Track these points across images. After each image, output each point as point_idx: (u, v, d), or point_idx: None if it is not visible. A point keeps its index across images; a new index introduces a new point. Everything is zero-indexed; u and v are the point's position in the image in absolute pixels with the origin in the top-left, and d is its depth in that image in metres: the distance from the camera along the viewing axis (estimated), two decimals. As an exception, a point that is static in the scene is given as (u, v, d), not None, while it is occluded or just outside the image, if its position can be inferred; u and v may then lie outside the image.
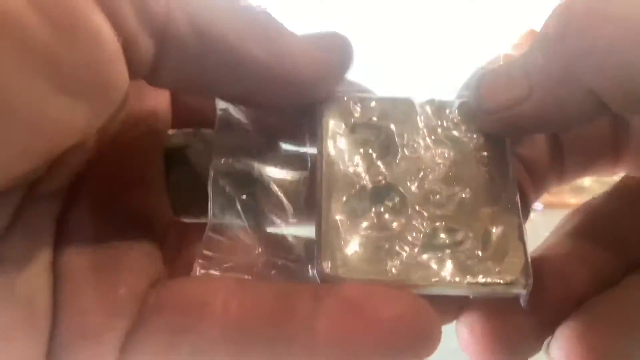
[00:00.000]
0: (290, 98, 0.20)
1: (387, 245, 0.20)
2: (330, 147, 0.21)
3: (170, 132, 0.22)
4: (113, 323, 0.18)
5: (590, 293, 0.20)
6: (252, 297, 0.18)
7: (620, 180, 0.24)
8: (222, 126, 0.22)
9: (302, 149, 0.22)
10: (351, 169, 0.21)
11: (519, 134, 0.22)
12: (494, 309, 0.20)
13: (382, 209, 0.20)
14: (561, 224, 0.23)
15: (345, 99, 0.22)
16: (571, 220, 0.23)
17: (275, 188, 0.21)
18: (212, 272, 0.20)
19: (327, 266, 0.19)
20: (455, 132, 0.21)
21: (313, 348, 0.18)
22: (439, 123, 0.22)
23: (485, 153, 0.21)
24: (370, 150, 0.21)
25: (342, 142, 0.21)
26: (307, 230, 0.21)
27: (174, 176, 0.22)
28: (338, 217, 0.20)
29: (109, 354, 0.18)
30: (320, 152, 0.21)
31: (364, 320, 0.18)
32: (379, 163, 0.21)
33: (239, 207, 0.21)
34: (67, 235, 0.18)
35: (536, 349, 0.20)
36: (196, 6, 0.17)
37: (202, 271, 0.20)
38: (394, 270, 0.19)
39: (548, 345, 0.20)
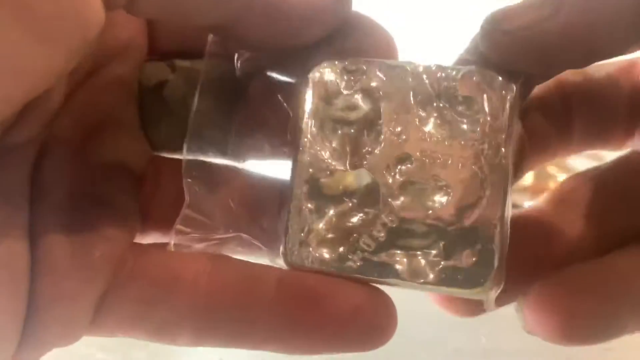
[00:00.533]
0: (277, 32, 0.19)
1: (351, 238, 0.19)
2: (310, 124, 0.20)
3: (146, 64, 0.21)
4: (87, 286, 0.18)
5: (570, 260, 0.20)
6: (221, 276, 0.19)
7: (625, 154, 0.22)
8: (211, 58, 0.20)
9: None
10: (327, 151, 0.19)
11: (539, 63, 0.20)
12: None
13: (353, 198, 0.19)
14: (560, 187, 0.22)
15: (336, 63, 0.20)
16: (568, 185, 0.22)
17: (254, 126, 0.21)
18: (185, 247, 0.20)
19: (290, 254, 0.19)
20: (450, 113, 0.19)
21: (272, 332, 0.18)
22: (434, 100, 0.20)
23: (480, 138, 0.19)
24: (352, 130, 0.20)
25: (324, 118, 0.20)
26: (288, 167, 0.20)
27: (150, 111, 0.21)
28: (307, 204, 0.19)
29: (83, 316, 0.18)
30: (300, 126, 0.20)
31: (322, 310, 0.18)
32: (359, 146, 0.19)
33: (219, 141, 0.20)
34: (41, 191, 0.18)
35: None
36: None
37: (176, 244, 0.20)
38: (355, 264, 0.19)
39: (518, 302, 0.20)
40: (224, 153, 0.20)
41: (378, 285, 0.19)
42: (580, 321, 0.19)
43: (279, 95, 0.20)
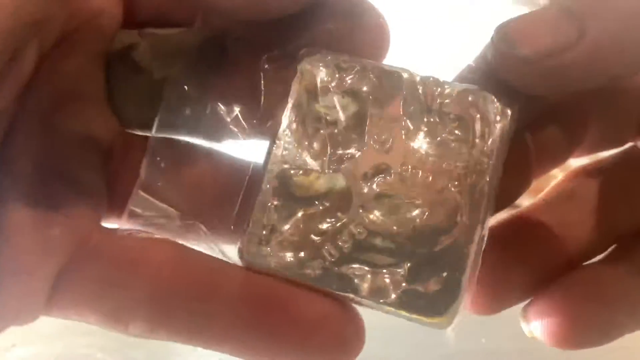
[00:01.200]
0: (250, 1, 0.18)
1: (315, 244, 0.18)
2: (292, 118, 0.19)
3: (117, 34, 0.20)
4: (45, 261, 0.18)
5: (577, 260, 0.20)
6: (186, 265, 0.18)
7: (625, 150, 0.22)
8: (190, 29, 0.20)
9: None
10: (306, 149, 0.19)
11: (559, 89, 0.19)
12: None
13: (324, 202, 0.18)
14: (562, 185, 0.22)
15: (329, 58, 0.19)
16: (570, 183, 0.22)
17: (231, 105, 0.20)
18: (137, 229, 0.19)
19: (247, 250, 0.18)
20: (440, 129, 0.18)
21: (230, 331, 0.18)
22: (425, 114, 0.19)
23: (466, 162, 0.18)
24: (336, 130, 0.19)
25: (307, 114, 0.19)
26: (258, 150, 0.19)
27: (117, 83, 0.20)
28: (274, 201, 0.18)
29: (39, 290, 0.18)
30: (280, 117, 0.19)
31: (288, 315, 0.18)
32: (339, 148, 0.19)
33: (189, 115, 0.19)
34: (8, 162, 0.18)
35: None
36: None
37: (127, 227, 0.19)
38: (314, 272, 0.18)
39: (523, 308, 0.20)
40: (196, 130, 0.20)
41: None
42: (582, 327, 0.19)
43: (261, 74, 0.19)
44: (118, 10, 0.20)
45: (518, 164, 0.20)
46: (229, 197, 0.19)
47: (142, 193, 0.19)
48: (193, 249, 0.19)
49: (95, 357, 0.37)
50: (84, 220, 0.18)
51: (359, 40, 0.19)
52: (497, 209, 0.20)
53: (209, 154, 0.20)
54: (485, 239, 0.18)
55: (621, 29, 0.16)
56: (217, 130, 0.20)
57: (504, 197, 0.20)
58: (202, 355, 0.35)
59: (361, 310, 0.19)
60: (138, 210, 0.19)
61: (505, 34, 0.17)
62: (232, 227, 0.19)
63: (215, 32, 0.20)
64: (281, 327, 0.18)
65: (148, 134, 0.20)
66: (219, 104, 0.20)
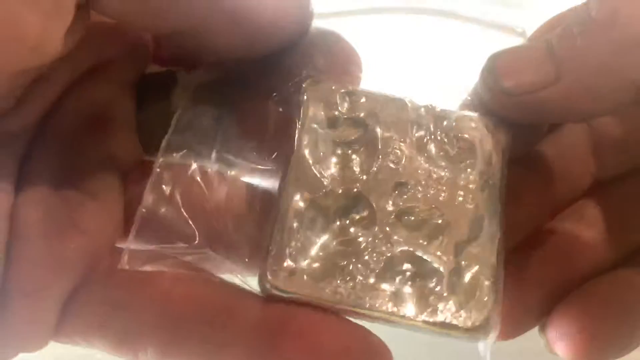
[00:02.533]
0: (243, 38, 0.18)
1: (343, 264, 0.18)
2: (305, 141, 0.19)
3: (148, 70, 0.21)
4: (57, 281, 0.17)
5: (590, 275, 0.20)
6: (200, 289, 0.18)
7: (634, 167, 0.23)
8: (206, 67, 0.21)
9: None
10: (322, 170, 0.19)
11: (539, 121, 0.21)
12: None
13: (346, 222, 0.18)
14: (573, 208, 0.22)
15: (333, 88, 0.19)
16: (582, 201, 0.22)
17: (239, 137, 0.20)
18: (139, 260, 0.18)
19: (273, 276, 0.18)
20: (448, 148, 0.19)
21: None
22: (432, 134, 0.19)
23: (477, 178, 0.19)
24: (350, 151, 0.19)
25: (319, 137, 0.19)
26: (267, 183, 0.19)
27: (146, 113, 0.21)
28: (295, 223, 0.18)
29: (49, 311, 0.17)
30: (294, 143, 0.19)
31: (308, 346, 0.17)
32: (355, 168, 0.19)
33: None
34: (29, 178, 0.18)
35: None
36: None
37: (130, 258, 0.18)
38: (344, 293, 0.18)
39: (543, 324, 0.20)
40: (207, 157, 0.20)
41: (368, 321, 0.18)
42: (601, 342, 0.19)
43: (269, 104, 0.20)
44: (149, 47, 0.21)
45: (529, 195, 0.21)
46: (241, 224, 0.19)
47: (144, 212, 0.19)
48: (207, 272, 0.19)
49: (94, 358, 0.36)
50: (99, 238, 0.18)
51: (336, 70, 0.20)
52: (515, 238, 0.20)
53: (219, 180, 0.20)
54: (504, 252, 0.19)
55: (592, 80, 0.18)
56: (228, 158, 0.20)
57: (525, 225, 0.21)
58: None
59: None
60: (142, 234, 0.19)
61: (493, 68, 0.19)
62: (247, 256, 0.19)
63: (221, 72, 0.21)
64: (299, 357, 0.17)
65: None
66: (229, 133, 0.20)
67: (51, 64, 0.16)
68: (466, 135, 0.20)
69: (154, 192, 0.19)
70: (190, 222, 0.19)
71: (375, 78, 0.21)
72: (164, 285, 0.18)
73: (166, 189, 0.19)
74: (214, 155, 0.20)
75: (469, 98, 0.21)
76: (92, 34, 0.18)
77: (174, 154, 0.19)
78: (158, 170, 0.19)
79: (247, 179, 0.20)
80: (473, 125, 0.20)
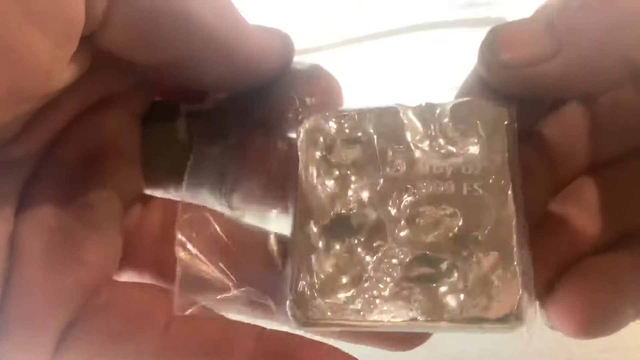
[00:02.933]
0: (233, 72, 0.19)
1: (361, 283, 0.18)
2: (306, 173, 0.19)
3: (154, 103, 0.22)
4: (55, 313, 0.17)
5: (588, 254, 0.20)
6: (197, 322, 0.18)
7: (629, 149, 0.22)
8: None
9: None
10: (326, 196, 0.19)
11: (536, 96, 0.20)
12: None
13: (359, 241, 0.19)
14: (571, 186, 0.22)
15: (326, 114, 0.20)
16: (579, 182, 0.22)
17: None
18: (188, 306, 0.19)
19: (302, 309, 0.18)
20: (447, 141, 0.19)
21: None
22: (427, 132, 0.19)
23: (482, 163, 0.19)
24: (349, 172, 0.19)
25: (319, 165, 0.19)
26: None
27: (153, 147, 0.21)
28: (310, 253, 0.19)
29: (45, 344, 0.17)
30: (296, 176, 0.20)
31: None
32: (357, 186, 0.19)
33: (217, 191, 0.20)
34: (30, 206, 0.18)
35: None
36: None
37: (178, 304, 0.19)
38: (365, 312, 0.18)
39: (543, 300, 0.20)
40: (217, 199, 0.21)
41: (399, 331, 0.18)
42: (599, 317, 0.19)
43: (277, 144, 0.21)
44: (155, 80, 0.21)
45: (538, 174, 0.20)
46: (261, 264, 0.20)
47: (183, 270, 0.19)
48: (204, 307, 0.19)
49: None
50: (97, 270, 0.18)
51: (318, 97, 0.21)
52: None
53: (235, 224, 0.21)
54: (527, 231, 0.18)
55: (590, 56, 0.17)
56: (238, 199, 0.21)
57: (538, 205, 0.20)
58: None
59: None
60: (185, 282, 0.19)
61: (492, 40, 0.18)
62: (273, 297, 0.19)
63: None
64: None
65: (169, 196, 0.21)
66: (238, 173, 0.20)
67: (57, 92, 0.17)
68: (463, 124, 0.19)
69: (182, 246, 0.19)
70: (221, 273, 0.20)
71: (360, 100, 0.22)
72: (163, 317, 0.18)
73: (191, 243, 0.20)
74: (224, 198, 0.21)
75: (469, 77, 0.20)
76: (102, 66, 0.18)
77: (190, 196, 0.20)
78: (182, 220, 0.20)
79: (258, 216, 0.21)
80: (465, 110, 0.19)
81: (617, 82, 0.18)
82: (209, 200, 0.21)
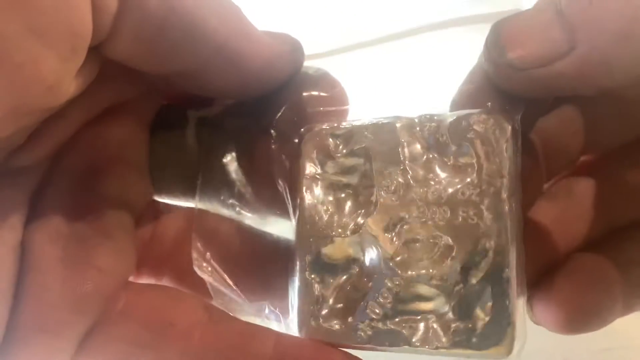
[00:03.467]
0: (243, 80, 0.19)
1: (359, 306, 0.18)
2: (305, 196, 0.20)
3: (162, 110, 0.22)
4: (74, 320, 0.17)
5: (576, 250, 0.20)
6: (217, 328, 0.19)
7: (621, 146, 0.22)
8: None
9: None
10: (324, 220, 0.19)
11: (548, 95, 0.19)
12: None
13: (355, 265, 0.19)
14: (562, 182, 0.22)
15: (327, 130, 0.20)
16: (569, 178, 0.22)
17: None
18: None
19: (306, 327, 0.19)
20: (442, 164, 0.19)
21: None
22: (427, 149, 0.19)
23: (479, 184, 0.18)
24: (343, 195, 0.19)
25: (317, 187, 0.20)
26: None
27: (159, 155, 0.21)
28: (312, 275, 0.19)
29: (64, 351, 0.17)
30: (297, 196, 0.20)
31: None
32: (355, 209, 0.19)
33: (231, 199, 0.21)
34: (40, 214, 0.18)
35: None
36: None
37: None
38: (365, 334, 0.18)
39: (527, 298, 0.20)
40: (226, 206, 0.21)
41: (394, 352, 0.18)
42: (583, 314, 0.19)
43: (282, 155, 0.21)
44: (163, 88, 0.21)
45: (527, 170, 0.20)
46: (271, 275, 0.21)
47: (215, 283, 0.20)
48: (224, 311, 0.20)
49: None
50: (115, 276, 0.18)
51: (324, 104, 0.21)
52: None
53: (246, 233, 0.21)
54: (523, 255, 0.18)
55: (610, 48, 0.16)
56: (247, 206, 0.21)
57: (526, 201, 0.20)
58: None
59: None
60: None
61: (497, 38, 0.17)
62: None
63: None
64: None
65: (177, 203, 0.21)
66: (247, 182, 0.21)
67: (65, 103, 0.17)
68: (461, 141, 0.18)
69: (196, 251, 0.20)
70: (234, 285, 0.20)
71: (366, 107, 0.22)
72: (183, 322, 0.18)
73: (206, 253, 0.20)
74: (232, 207, 0.21)
75: (470, 76, 0.19)
76: (110, 75, 0.18)
77: (203, 204, 0.21)
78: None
79: (259, 219, 0.21)
80: (464, 124, 0.18)
81: (638, 77, 0.16)
82: (218, 207, 0.21)
